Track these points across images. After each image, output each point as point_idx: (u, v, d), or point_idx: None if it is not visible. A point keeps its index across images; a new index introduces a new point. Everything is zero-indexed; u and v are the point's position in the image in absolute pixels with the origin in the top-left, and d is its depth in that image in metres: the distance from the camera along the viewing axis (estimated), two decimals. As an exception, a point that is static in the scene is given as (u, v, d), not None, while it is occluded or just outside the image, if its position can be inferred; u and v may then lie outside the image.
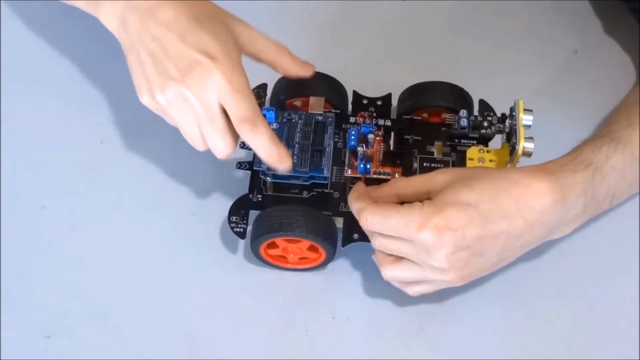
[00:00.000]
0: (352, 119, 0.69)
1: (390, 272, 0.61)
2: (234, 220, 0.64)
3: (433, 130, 0.68)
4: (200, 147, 0.62)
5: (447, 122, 0.68)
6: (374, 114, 0.70)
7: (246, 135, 0.59)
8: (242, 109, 0.59)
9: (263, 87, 0.70)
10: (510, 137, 0.65)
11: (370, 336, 0.65)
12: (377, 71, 0.77)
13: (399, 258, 0.60)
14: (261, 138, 0.60)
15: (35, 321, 0.65)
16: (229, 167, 0.68)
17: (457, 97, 0.70)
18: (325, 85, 0.70)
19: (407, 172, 0.66)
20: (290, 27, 0.79)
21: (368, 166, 0.65)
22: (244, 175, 0.67)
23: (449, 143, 0.68)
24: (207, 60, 0.58)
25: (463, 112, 0.68)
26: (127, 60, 0.62)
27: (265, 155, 0.61)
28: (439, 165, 0.66)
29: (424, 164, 0.66)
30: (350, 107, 0.71)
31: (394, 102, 0.71)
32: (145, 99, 0.61)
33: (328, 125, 0.67)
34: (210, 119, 0.59)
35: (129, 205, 0.70)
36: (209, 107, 0.59)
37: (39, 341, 0.64)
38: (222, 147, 0.61)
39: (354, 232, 0.64)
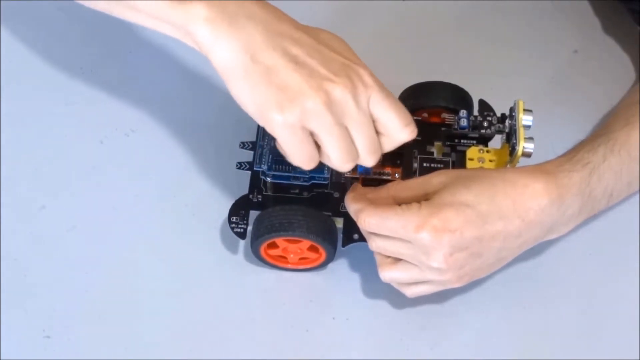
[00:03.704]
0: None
1: (389, 274, 0.61)
2: (234, 220, 0.64)
3: (433, 130, 0.68)
4: (349, 163, 0.57)
5: (447, 122, 0.68)
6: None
7: (405, 137, 0.58)
8: (403, 113, 0.58)
9: None
10: (510, 137, 0.65)
11: (370, 336, 0.65)
12: (377, 71, 0.77)
13: (397, 259, 0.60)
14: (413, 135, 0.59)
15: (35, 321, 0.65)
16: (229, 167, 0.68)
17: (457, 97, 0.70)
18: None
19: (407, 172, 0.66)
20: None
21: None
22: (244, 175, 0.67)
23: (448, 143, 0.67)
24: (353, 64, 0.56)
25: (463, 112, 0.67)
26: (243, 81, 0.55)
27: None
28: (439, 166, 0.66)
29: (424, 164, 0.66)
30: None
31: (394, 102, 0.71)
32: (275, 116, 0.54)
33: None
34: (366, 123, 0.56)
35: (129, 205, 0.70)
36: (364, 111, 0.56)
37: (39, 341, 0.64)
38: (372, 160, 0.58)
39: (354, 233, 0.64)
